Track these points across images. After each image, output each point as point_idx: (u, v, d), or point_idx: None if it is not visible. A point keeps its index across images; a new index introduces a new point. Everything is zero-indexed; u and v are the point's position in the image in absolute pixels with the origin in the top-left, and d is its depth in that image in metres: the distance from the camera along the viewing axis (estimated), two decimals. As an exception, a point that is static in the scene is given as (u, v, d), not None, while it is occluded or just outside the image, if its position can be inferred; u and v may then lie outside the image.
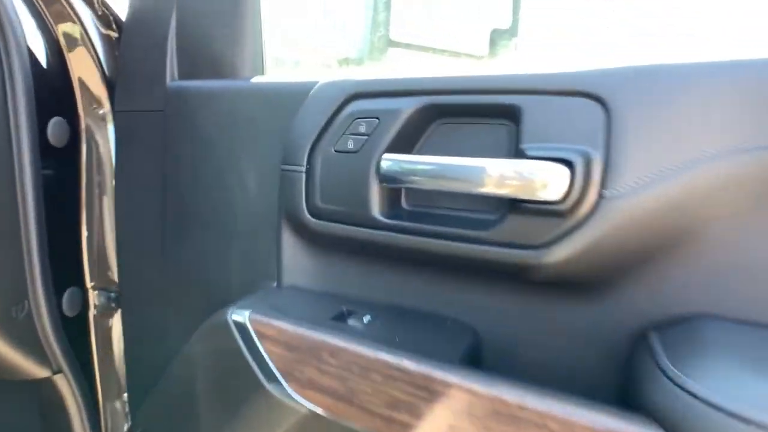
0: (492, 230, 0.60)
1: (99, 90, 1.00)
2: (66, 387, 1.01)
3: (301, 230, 0.73)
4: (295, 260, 0.76)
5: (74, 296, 1.02)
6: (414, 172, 0.62)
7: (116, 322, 1.06)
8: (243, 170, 0.80)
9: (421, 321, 0.68)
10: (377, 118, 0.66)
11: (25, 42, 0.86)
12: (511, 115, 0.60)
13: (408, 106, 0.64)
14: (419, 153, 0.67)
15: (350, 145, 0.67)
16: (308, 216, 0.71)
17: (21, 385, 1.02)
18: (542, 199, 0.55)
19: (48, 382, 0.99)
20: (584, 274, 0.58)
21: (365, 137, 0.66)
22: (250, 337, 0.67)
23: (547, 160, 0.55)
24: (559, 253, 0.56)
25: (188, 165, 0.84)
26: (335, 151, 0.69)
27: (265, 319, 0.67)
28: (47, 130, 0.93)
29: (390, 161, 0.64)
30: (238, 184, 0.80)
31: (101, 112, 1.01)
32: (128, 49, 0.91)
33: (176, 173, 0.85)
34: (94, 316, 1.06)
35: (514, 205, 0.58)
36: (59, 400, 1.01)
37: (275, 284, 0.78)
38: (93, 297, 1.05)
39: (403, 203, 0.70)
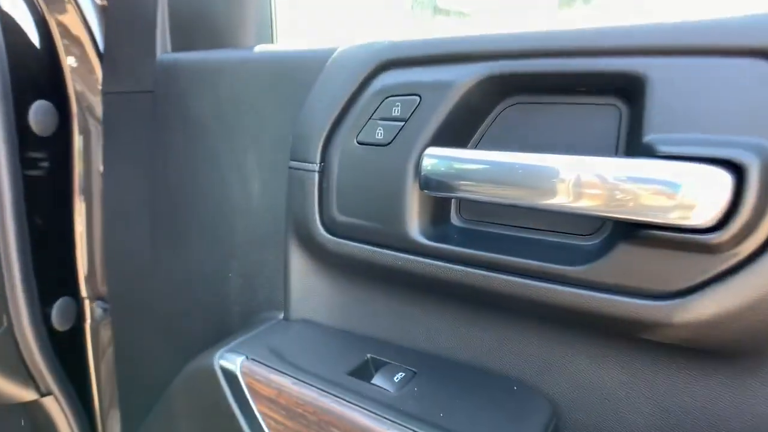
0: (591, 266, 0.39)
1: (92, 68, 0.85)
2: (57, 410, 0.88)
3: (314, 249, 0.55)
4: (307, 286, 0.58)
5: (66, 308, 0.88)
6: (470, 175, 0.42)
7: (99, 336, 0.92)
8: (245, 166, 0.62)
9: (476, 383, 0.48)
10: (418, 95, 0.46)
11: (-4, 8, 0.72)
12: (627, 88, 0.39)
13: (464, 78, 0.44)
14: (479, 147, 0.47)
15: (379, 135, 0.48)
16: (322, 231, 0.52)
17: (11, 407, 0.90)
18: (681, 224, 0.34)
19: (36, 405, 0.86)
20: (745, 340, 0.37)
21: (400, 123, 0.46)
22: (242, 392, 0.50)
23: (692, 160, 0.34)
24: (704, 307, 0.36)
25: (180, 159, 0.67)
26: (358, 143, 0.49)
27: (262, 372, 0.49)
28: (29, 116, 0.78)
29: (436, 158, 0.44)
30: (240, 183, 0.62)
31: (96, 94, 0.86)
32: (114, 19, 0.74)
33: (166, 169, 0.68)
34: (90, 329, 0.92)
35: (629, 231, 0.38)
36: (50, 425, 0.88)
37: (282, 316, 0.60)
38: (88, 308, 0.91)
39: (453, 219, 0.50)
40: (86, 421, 0.92)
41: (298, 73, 0.57)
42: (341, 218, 0.51)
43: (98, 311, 0.92)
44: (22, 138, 0.76)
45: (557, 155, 0.39)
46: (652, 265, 0.37)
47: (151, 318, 0.75)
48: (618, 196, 0.36)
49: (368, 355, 0.52)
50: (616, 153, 0.42)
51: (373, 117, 0.48)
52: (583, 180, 0.37)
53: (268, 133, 0.60)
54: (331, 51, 0.54)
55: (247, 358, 0.51)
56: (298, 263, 0.57)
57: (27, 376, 0.83)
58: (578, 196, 0.38)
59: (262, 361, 0.50)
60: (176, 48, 0.70)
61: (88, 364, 0.92)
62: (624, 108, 0.41)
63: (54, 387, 0.86)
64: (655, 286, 0.37)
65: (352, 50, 0.51)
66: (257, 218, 0.61)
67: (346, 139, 0.50)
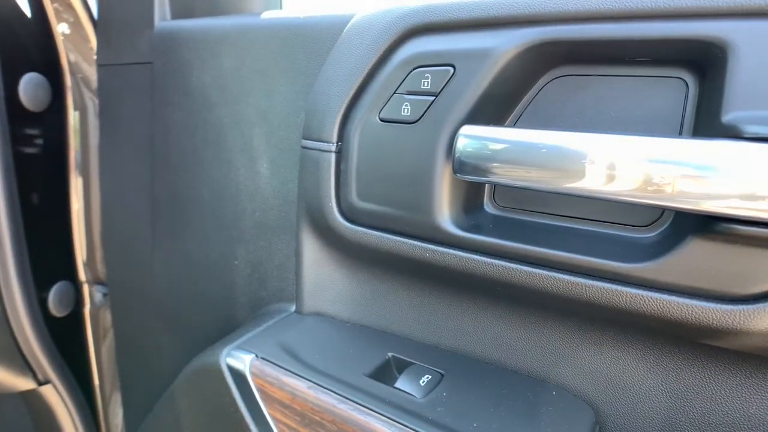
0: (655, 263, 0.34)
1: (87, 36, 0.79)
2: (56, 399, 0.84)
3: (329, 237, 0.50)
4: (321, 277, 0.53)
5: (64, 292, 0.84)
6: (512, 158, 0.37)
7: (98, 321, 0.88)
8: (252, 144, 0.56)
9: (510, 388, 0.43)
10: (452, 65, 0.40)
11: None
12: (700, 58, 0.34)
13: (505, 46, 0.38)
14: (521, 125, 0.42)
15: (406, 111, 0.42)
16: (339, 218, 0.47)
17: (8, 397, 0.86)
18: (766, 218, 0.29)
19: (35, 395, 0.83)
20: None
21: (431, 98, 0.41)
22: (252, 394, 0.45)
23: None
24: None
25: (181, 136, 0.62)
26: (381, 120, 0.44)
27: (274, 373, 0.45)
28: (19, 90, 0.73)
29: (470, 138, 0.38)
30: (246, 163, 0.57)
31: (91, 64, 0.80)
32: None
33: (167, 146, 0.63)
34: (90, 314, 0.88)
35: (701, 224, 0.32)
36: (49, 413, 0.85)
37: (293, 308, 0.55)
38: (87, 292, 0.87)
39: (486, 206, 0.45)
40: (87, 409, 0.88)
41: (311, 41, 0.51)
42: (361, 204, 0.46)
43: (98, 296, 0.88)
44: (13, 114, 0.71)
45: (613, 134, 0.34)
46: (729, 263, 0.32)
47: (152, 305, 0.70)
48: (691, 183, 0.31)
49: (389, 354, 0.48)
50: (680, 134, 0.36)
51: (398, 91, 0.43)
52: (646, 164, 0.32)
53: (278, 109, 0.54)
54: (349, 17, 0.48)
55: (256, 356, 0.46)
56: (312, 252, 0.52)
57: (23, 365, 0.79)
58: (639, 182, 0.32)
59: (273, 360, 0.46)
60: (176, 15, 0.64)
61: (88, 351, 0.89)
62: (692, 81, 0.36)
63: (52, 375, 0.82)
64: (730, 288, 0.32)
65: (374, 15, 0.46)
66: (266, 201, 0.56)
67: (366, 115, 0.45)
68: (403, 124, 0.42)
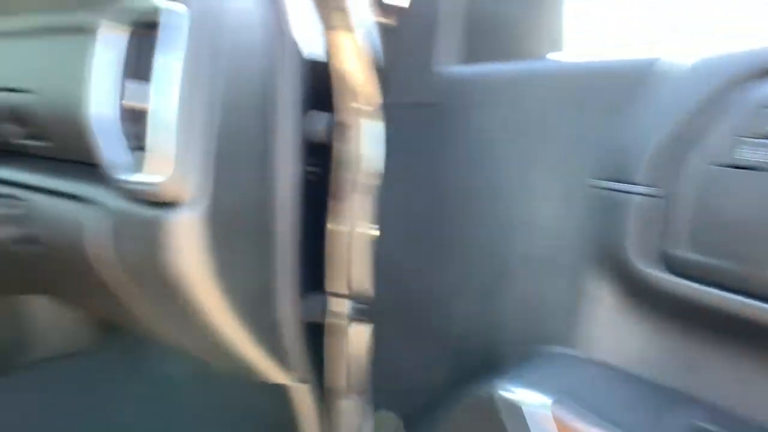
0: None
1: (362, 81, 0.88)
2: (306, 399, 0.93)
3: (629, 284, 0.47)
4: (612, 324, 0.50)
5: (315, 302, 0.93)
6: None
7: (354, 334, 0.95)
8: (537, 185, 0.57)
9: None
10: None
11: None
12: None
13: None
14: None
15: (760, 156, 0.38)
16: (648, 267, 0.44)
17: (267, 387, 0.98)
18: None
19: (289, 390, 0.93)
20: None
21: None
22: None
23: None
24: None
25: (462, 173, 0.65)
26: (720, 165, 0.40)
27: (575, 421, 0.43)
28: (307, 124, 0.84)
29: None
30: (530, 204, 0.57)
31: (361, 106, 0.89)
32: (393, 31, 0.75)
33: (446, 182, 0.67)
34: (348, 327, 0.96)
35: None
36: (298, 412, 0.94)
37: (576, 353, 0.53)
38: (334, 304, 0.96)
39: None
40: (327, 414, 0.96)
41: (604, 86, 0.50)
42: (684, 254, 0.42)
43: (356, 311, 0.95)
44: (303, 145, 0.81)
45: None
46: None
47: (410, 328, 0.74)
48: None
49: (695, 423, 0.43)
50: None
51: (744, 134, 0.39)
52: None
53: (560, 151, 0.54)
54: (649, 61, 0.46)
55: (556, 400, 0.45)
56: (606, 297, 0.50)
57: (286, 361, 0.88)
58: None
59: (572, 406, 0.44)
60: (460, 59, 0.68)
61: (342, 361, 0.96)
62: None
63: (307, 376, 0.91)
64: None
65: (709, 59, 0.43)
66: (545, 239, 0.56)
67: (698, 159, 0.41)
68: (755, 171, 0.38)
